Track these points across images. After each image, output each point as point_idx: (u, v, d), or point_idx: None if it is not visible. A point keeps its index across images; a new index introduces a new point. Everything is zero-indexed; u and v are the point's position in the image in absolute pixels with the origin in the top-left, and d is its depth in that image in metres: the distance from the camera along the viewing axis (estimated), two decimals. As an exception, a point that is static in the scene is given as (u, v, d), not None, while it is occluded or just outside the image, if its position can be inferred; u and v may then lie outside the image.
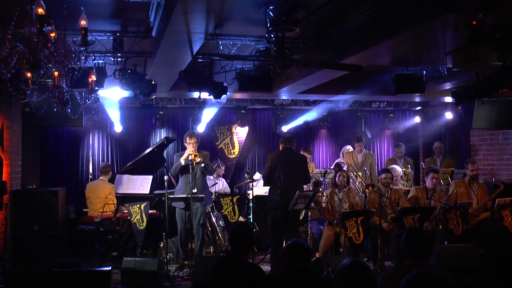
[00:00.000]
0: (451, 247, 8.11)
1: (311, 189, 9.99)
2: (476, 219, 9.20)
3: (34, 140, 11.04)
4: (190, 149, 8.91)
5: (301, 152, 11.66)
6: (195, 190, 8.76)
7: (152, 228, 10.92)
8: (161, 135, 12.66)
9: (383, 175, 9.43)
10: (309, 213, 9.59)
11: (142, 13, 7.52)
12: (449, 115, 12.83)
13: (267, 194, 9.46)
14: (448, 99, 11.72)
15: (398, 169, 11.17)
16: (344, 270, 3.32)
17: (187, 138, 9.04)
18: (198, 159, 8.81)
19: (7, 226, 9.06)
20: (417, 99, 12.61)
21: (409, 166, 11.95)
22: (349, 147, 12.71)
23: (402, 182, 11.19)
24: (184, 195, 8.79)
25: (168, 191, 8.83)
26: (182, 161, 8.93)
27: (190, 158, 8.83)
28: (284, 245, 8.72)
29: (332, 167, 12.38)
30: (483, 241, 8.83)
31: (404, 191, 10.02)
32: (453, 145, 13.49)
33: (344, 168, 10.41)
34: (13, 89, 5.79)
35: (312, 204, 9.10)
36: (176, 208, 9.17)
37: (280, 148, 9.29)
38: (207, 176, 9.73)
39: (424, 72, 9.37)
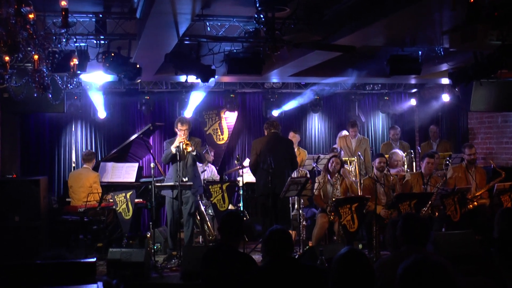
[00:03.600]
0: (449, 234, 8.18)
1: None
2: (473, 203, 9.26)
3: (14, 127, 10.98)
4: (181, 137, 8.87)
5: (292, 134, 11.67)
6: (186, 179, 8.76)
7: (138, 217, 10.94)
8: (147, 120, 12.61)
9: (377, 160, 9.43)
10: (301, 200, 9.61)
11: (125, -7, 7.47)
12: (446, 98, 12.83)
13: (258, 181, 9.46)
14: (445, 80, 11.73)
15: (400, 153, 11.19)
16: (341, 259, 3.32)
17: (179, 124, 8.99)
18: (189, 148, 8.78)
19: (-14, 217, 9.03)
20: (413, 81, 12.61)
21: (411, 151, 11.93)
22: (345, 133, 12.73)
23: (403, 168, 11.22)
24: (172, 183, 8.78)
25: (155, 179, 8.82)
26: (173, 149, 8.89)
27: (181, 146, 8.80)
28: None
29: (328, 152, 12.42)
30: (481, 228, 8.90)
31: (400, 176, 10.05)
32: (450, 128, 13.53)
33: (342, 154, 10.43)
34: (-10, 73, 5.75)
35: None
36: (166, 197, 9.16)
37: (265, 133, 9.29)
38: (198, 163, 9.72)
39: (420, 52, 9.38)
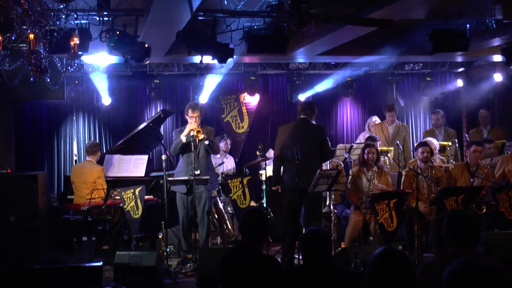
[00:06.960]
0: (503, 234, 8.09)
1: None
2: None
3: (8, 116, 11.08)
4: (192, 124, 8.89)
5: None
6: (198, 172, 8.77)
7: (148, 216, 10.99)
8: (157, 107, 12.67)
9: (420, 149, 9.30)
10: (333, 196, 9.59)
11: (131, -37, 7.49)
12: (498, 77, 12.73)
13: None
14: (497, 57, 11.63)
15: (434, 142, 11.10)
16: (377, 260, 3.31)
17: (189, 111, 9.01)
18: (201, 136, 8.80)
19: (-22, 217, 9.12)
20: (459, 59, 12.53)
21: (455, 139, 11.82)
22: (375, 119, 12.65)
23: (440, 157, 11.12)
24: (186, 178, 8.81)
25: (167, 172, 8.85)
26: (183, 138, 8.91)
27: (192, 134, 8.82)
28: (302, 232, 8.75)
29: (357, 141, 12.36)
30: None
31: (444, 168, 9.97)
32: (503, 112, 13.41)
33: (378, 143, 10.38)
34: (-19, 55, 5.80)
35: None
36: (176, 193, 9.19)
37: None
38: (213, 155, 9.74)
39: (468, 26, 9.27)
